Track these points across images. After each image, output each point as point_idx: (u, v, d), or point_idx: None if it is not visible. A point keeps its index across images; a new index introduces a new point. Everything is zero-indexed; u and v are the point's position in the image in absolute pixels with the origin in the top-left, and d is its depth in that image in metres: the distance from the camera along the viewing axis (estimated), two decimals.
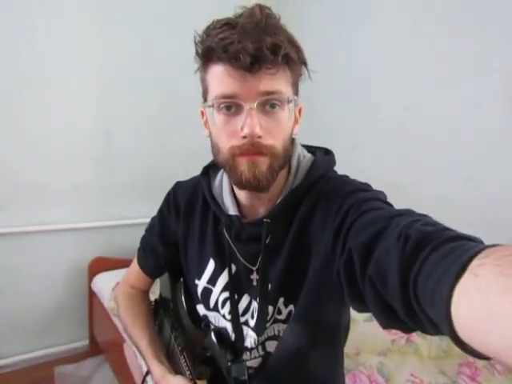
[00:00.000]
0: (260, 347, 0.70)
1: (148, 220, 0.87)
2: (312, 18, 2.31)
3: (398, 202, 0.60)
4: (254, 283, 0.69)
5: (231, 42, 0.52)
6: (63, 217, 2.05)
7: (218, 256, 0.72)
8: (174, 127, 2.27)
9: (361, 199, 0.57)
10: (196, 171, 0.79)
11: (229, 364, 0.68)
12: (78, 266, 2.13)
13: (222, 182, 0.72)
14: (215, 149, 0.62)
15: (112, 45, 2.07)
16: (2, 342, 1.96)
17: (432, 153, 1.77)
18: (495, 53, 1.54)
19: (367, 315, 1.64)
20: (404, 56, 1.87)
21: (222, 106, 0.57)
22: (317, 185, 0.64)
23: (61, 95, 1.96)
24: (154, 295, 0.95)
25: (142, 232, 0.89)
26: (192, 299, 0.78)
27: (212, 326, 0.74)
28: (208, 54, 0.56)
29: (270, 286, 0.66)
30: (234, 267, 0.71)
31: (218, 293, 0.72)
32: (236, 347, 0.71)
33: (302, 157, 0.68)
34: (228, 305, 0.71)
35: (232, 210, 0.68)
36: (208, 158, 0.77)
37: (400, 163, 1.90)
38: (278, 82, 0.55)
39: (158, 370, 0.75)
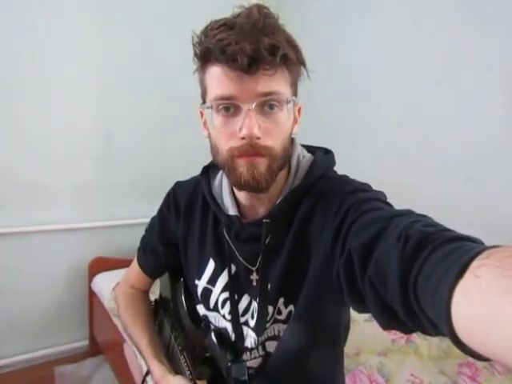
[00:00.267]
0: (260, 347, 0.70)
1: (148, 220, 0.87)
2: (312, 16, 2.30)
3: (399, 201, 0.60)
4: (254, 283, 0.69)
5: (229, 43, 0.52)
6: (63, 217, 2.05)
7: (218, 256, 0.71)
8: (173, 127, 2.27)
9: (360, 199, 0.57)
10: (196, 171, 0.79)
11: (229, 364, 0.68)
12: (78, 266, 2.13)
13: (222, 182, 0.72)
14: (214, 150, 0.62)
15: (112, 45, 2.07)
16: (2, 342, 1.96)
17: (432, 152, 1.77)
18: (496, 51, 1.54)
19: (367, 315, 1.64)
20: (404, 55, 1.86)
21: (221, 107, 0.57)
22: (316, 185, 0.64)
23: (61, 95, 1.96)
24: (153, 295, 0.95)
25: (142, 232, 0.88)
26: (192, 299, 0.78)
27: (212, 327, 0.74)
28: (206, 55, 0.56)
29: (269, 286, 0.66)
30: (233, 267, 0.70)
31: (217, 293, 0.72)
32: (236, 347, 0.71)
33: (302, 157, 0.68)
34: (228, 305, 0.71)
35: (232, 210, 0.67)
36: (208, 158, 0.76)
37: (400, 162, 1.90)
38: (276, 83, 0.55)
39: (158, 369, 0.75)
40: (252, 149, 0.56)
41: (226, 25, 0.54)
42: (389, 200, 0.60)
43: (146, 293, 0.92)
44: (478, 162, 1.62)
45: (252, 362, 0.71)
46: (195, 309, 0.78)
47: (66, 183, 2.04)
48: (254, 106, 0.54)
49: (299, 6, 2.36)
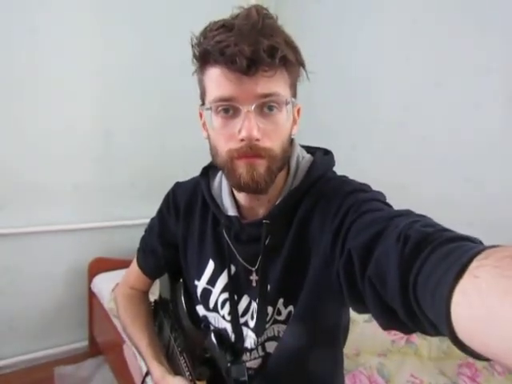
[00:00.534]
0: (260, 348, 0.70)
1: (148, 220, 0.87)
2: (312, 17, 2.30)
3: (398, 202, 0.60)
4: (254, 284, 0.69)
5: (227, 44, 0.52)
6: (63, 217, 2.05)
7: (218, 257, 0.71)
8: (174, 127, 2.27)
9: (360, 200, 0.57)
10: (196, 171, 0.79)
11: (228, 365, 0.68)
12: (78, 266, 2.13)
13: (222, 183, 0.72)
14: (213, 151, 0.62)
15: (112, 45, 2.07)
16: (2, 343, 1.96)
17: (432, 153, 1.77)
18: (495, 53, 1.54)
19: (367, 316, 1.64)
20: (404, 56, 1.86)
21: (220, 108, 0.57)
22: (316, 185, 0.64)
23: (61, 95, 1.96)
24: (153, 296, 0.95)
25: (141, 233, 0.88)
26: (192, 300, 0.78)
27: (212, 327, 0.74)
28: (205, 56, 0.56)
29: (269, 286, 0.66)
30: (233, 268, 0.70)
31: (217, 293, 0.72)
32: (236, 348, 0.71)
33: (301, 157, 0.68)
34: (227, 306, 0.71)
35: (231, 211, 0.68)
36: (208, 159, 0.76)
37: (400, 163, 1.90)
38: (275, 84, 0.55)
39: (158, 370, 0.74)
40: (251, 150, 0.56)
41: (225, 26, 0.54)
42: (388, 201, 0.60)
43: (145, 293, 0.91)
44: (477, 163, 1.62)
45: (252, 362, 0.71)
46: (195, 309, 0.78)
47: (66, 183, 2.04)
48: (253, 107, 0.54)
49: (298, 7, 2.36)
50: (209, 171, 0.76)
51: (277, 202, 0.64)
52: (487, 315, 0.28)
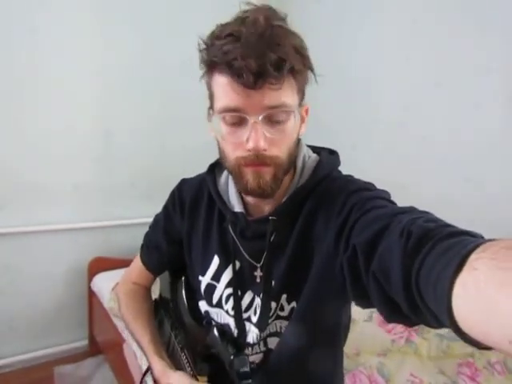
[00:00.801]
0: (262, 343, 0.71)
1: (148, 220, 0.88)
2: (312, 18, 2.31)
3: (398, 202, 0.60)
4: (258, 280, 0.69)
5: (235, 57, 0.52)
6: (63, 217, 2.05)
7: (223, 252, 0.72)
8: (174, 127, 2.28)
9: (364, 198, 0.57)
10: (196, 171, 0.80)
11: (231, 357, 0.68)
12: (78, 266, 2.13)
13: (228, 180, 0.73)
14: (222, 154, 0.63)
15: (112, 45, 2.07)
16: (2, 342, 1.96)
17: (432, 153, 1.77)
18: (495, 53, 1.54)
19: (367, 315, 1.64)
20: (404, 56, 1.87)
21: (228, 117, 0.57)
22: (322, 184, 0.65)
23: (61, 95, 1.96)
24: (154, 295, 0.95)
25: (141, 232, 0.89)
26: (194, 297, 0.79)
27: (214, 323, 0.75)
28: (212, 65, 0.56)
29: (273, 282, 0.67)
30: (238, 264, 0.71)
31: (222, 289, 0.73)
32: (238, 342, 0.71)
33: (308, 157, 0.69)
34: (231, 301, 0.71)
35: (238, 207, 0.68)
36: (208, 158, 0.77)
37: (400, 163, 1.90)
38: (282, 95, 0.55)
39: (159, 365, 0.75)
40: (258, 159, 0.57)
41: (233, 35, 0.53)
42: (392, 199, 0.60)
43: (147, 290, 0.92)
44: (477, 163, 1.62)
45: (253, 357, 0.72)
46: (197, 306, 0.78)
47: (66, 183, 2.04)
48: (260, 118, 0.55)
49: (299, 7, 2.35)
50: (215, 168, 0.76)
51: (283, 200, 0.65)
52: (486, 306, 0.29)
